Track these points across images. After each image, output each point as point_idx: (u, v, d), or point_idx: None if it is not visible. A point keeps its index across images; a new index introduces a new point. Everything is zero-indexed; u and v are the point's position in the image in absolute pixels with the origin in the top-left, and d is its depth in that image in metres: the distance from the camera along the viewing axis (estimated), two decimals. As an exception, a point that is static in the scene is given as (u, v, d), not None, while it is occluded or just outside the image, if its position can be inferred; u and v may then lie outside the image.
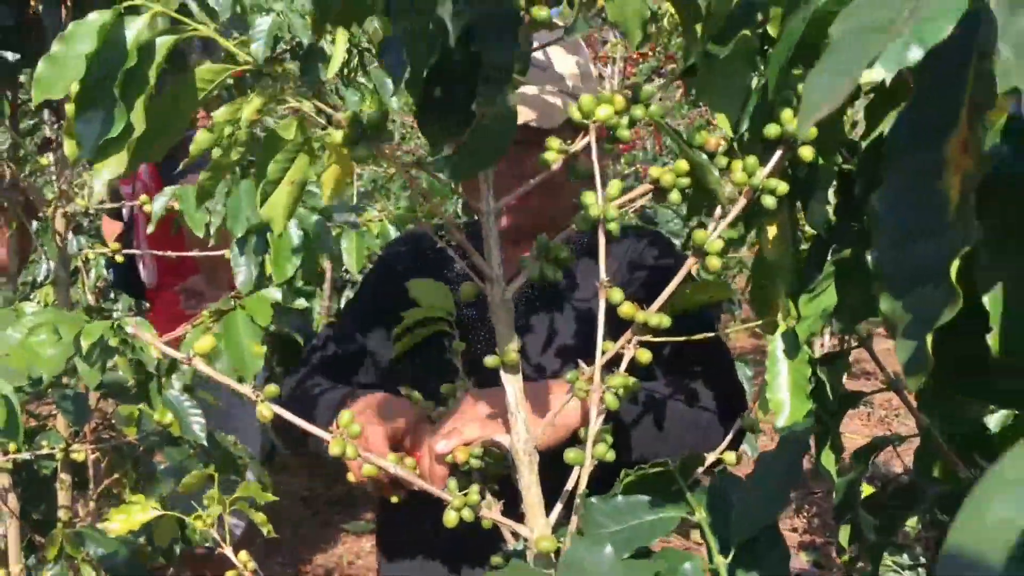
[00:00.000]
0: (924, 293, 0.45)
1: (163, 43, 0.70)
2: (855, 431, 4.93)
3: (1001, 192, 0.51)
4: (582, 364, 0.79)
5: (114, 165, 0.71)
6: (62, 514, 1.75)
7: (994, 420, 0.85)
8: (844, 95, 0.40)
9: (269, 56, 2.43)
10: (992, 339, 0.51)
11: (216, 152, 0.81)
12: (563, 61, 1.23)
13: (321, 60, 2.99)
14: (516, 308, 1.31)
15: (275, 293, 1.12)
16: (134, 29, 0.67)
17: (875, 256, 0.48)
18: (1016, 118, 0.52)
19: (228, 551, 1.03)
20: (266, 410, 0.76)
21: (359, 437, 0.78)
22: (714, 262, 0.73)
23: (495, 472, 0.90)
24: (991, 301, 0.51)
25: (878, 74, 0.65)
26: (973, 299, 0.52)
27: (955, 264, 0.43)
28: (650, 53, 4.54)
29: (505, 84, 0.67)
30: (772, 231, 0.74)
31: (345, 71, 3.27)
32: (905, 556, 3.00)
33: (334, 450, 0.76)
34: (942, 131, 0.46)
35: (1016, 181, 0.51)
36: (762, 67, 0.71)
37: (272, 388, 0.77)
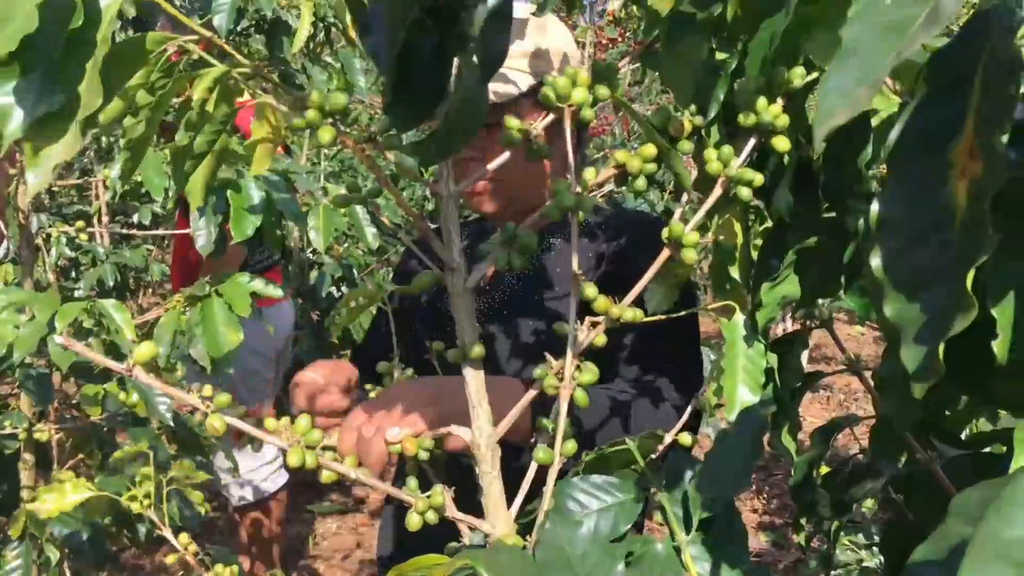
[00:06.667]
0: (935, 299, 0.44)
1: (108, 5, 0.58)
2: (815, 415, 5.02)
3: (1008, 198, 0.49)
4: (549, 357, 0.74)
5: (65, 146, 0.58)
6: (25, 494, 1.73)
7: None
8: (868, 100, 0.39)
9: (232, 29, 2.37)
10: (998, 346, 0.51)
11: (128, 121, 0.72)
12: (551, 36, 1.18)
13: (285, 34, 2.95)
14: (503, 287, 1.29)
15: (255, 283, 1.10)
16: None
17: (881, 261, 0.47)
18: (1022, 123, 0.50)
19: (167, 533, 1.00)
20: (217, 422, 0.70)
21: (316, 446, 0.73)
22: (690, 255, 0.71)
23: (440, 460, 0.85)
24: (999, 309, 0.51)
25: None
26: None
27: (971, 273, 0.42)
28: (620, 39, 4.55)
29: (465, 52, 0.62)
30: (734, 220, 0.74)
31: (311, 45, 3.22)
32: (861, 536, 3.06)
33: (292, 461, 0.71)
34: (946, 136, 0.45)
35: (1022, 186, 0.49)
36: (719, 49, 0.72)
37: (224, 398, 0.71)
